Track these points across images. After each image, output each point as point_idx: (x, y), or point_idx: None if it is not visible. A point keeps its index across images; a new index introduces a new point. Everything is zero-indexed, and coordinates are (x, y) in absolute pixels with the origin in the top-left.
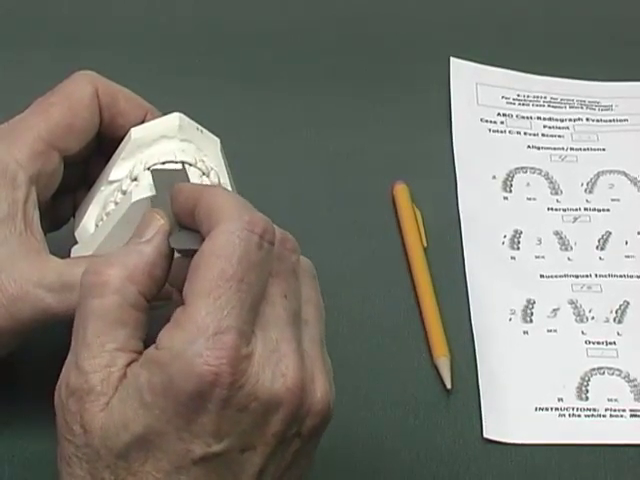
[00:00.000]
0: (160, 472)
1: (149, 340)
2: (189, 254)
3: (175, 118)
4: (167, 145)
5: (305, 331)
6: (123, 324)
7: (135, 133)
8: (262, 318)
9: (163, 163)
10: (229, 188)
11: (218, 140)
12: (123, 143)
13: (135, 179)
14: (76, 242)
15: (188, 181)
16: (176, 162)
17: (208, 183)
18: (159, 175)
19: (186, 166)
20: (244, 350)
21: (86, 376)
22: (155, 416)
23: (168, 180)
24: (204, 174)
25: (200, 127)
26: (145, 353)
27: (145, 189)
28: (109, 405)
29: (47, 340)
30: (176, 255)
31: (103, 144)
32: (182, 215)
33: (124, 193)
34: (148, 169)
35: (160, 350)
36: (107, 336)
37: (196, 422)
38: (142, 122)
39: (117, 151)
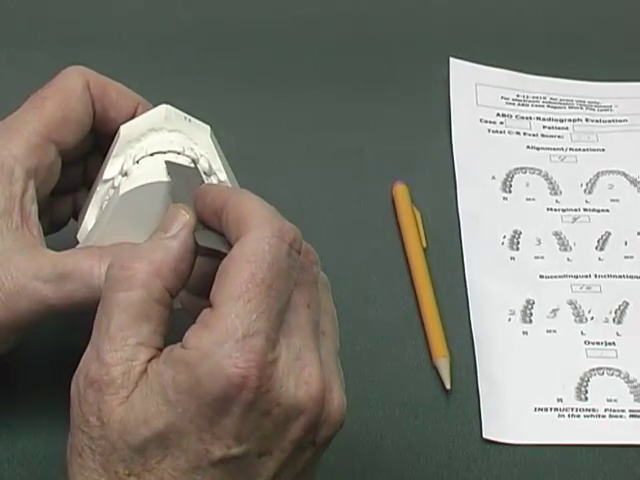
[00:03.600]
0: (177, 471)
1: (167, 340)
2: (212, 254)
3: (161, 110)
4: (155, 137)
5: (323, 342)
6: (147, 319)
7: (124, 130)
8: (286, 325)
9: (152, 155)
10: (223, 173)
11: (208, 127)
12: (114, 141)
13: (125, 174)
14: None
15: (202, 179)
16: (164, 152)
17: (200, 170)
18: (174, 168)
19: (174, 155)
20: (270, 355)
21: (107, 368)
22: (178, 414)
23: (183, 174)
24: (193, 161)
25: (188, 116)
26: (169, 351)
27: (134, 181)
28: (129, 399)
29: (46, 341)
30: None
31: (99, 143)
32: (207, 216)
33: (115, 189)
34: (137, 162)
35: (187, 350)
36: (130, 330)
37: (219, 424)
38: (133, 115)
39: (110, 150)
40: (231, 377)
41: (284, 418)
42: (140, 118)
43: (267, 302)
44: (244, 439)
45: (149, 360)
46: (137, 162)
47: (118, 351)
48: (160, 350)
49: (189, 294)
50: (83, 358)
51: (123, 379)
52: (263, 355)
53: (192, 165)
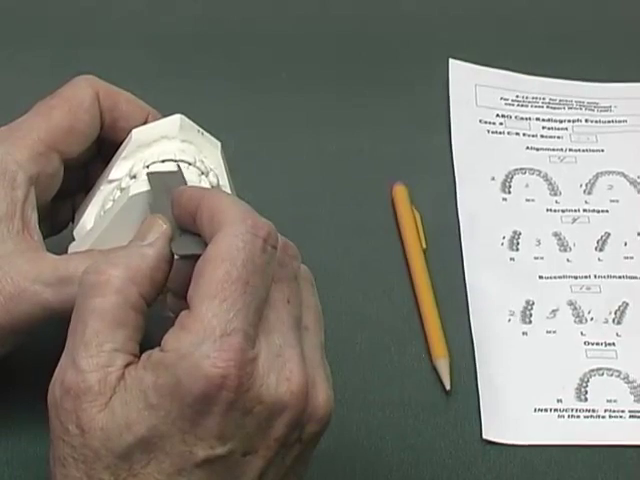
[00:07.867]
0: (162, 474)
1: (143, 347)
2: (191, 258)
3: (176, 119)
4: (167, 145)
5: (306, 337)
6: (123, 325)
7: (136, 134)
8: (265, 322)
9: (163, 162)
10: (228, 190)
11: (219, 143)
12: (124, 144)
13: (134, 177)
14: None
15: (185, 182)
16: (175, 161)
17: (207, 183)
18: (155, 178)
19: (184, 165)
20: (250, 353)
21: (83, 375)
22: (160, 418)
23: (165, 182)
24: (203, 174)
25: (201, 130)
26: (148, 356)
27: (143, 184)
28: (108, 406)
29: (46, 342)
30: (175, 258)
31: (103, 148)
32: (183, 218)
33: (122, 190)
34: (147, 167)
35: (166, 352)
36: (106, 336)
37: (201, 424)
38: (143, 124)
39: (118, 152)
40: (210, 377)
41: (267, 416)
42: (154, 124)
43: (244, 300)
44: (227, 438)
45: (126, 366)
46: (147, 167)
47: (94, 357)
48: (135, 356)
49: (178, 299)
50: (58, 366)
51: (100, 386)
52: (242, 353)
53: (175, 168)
